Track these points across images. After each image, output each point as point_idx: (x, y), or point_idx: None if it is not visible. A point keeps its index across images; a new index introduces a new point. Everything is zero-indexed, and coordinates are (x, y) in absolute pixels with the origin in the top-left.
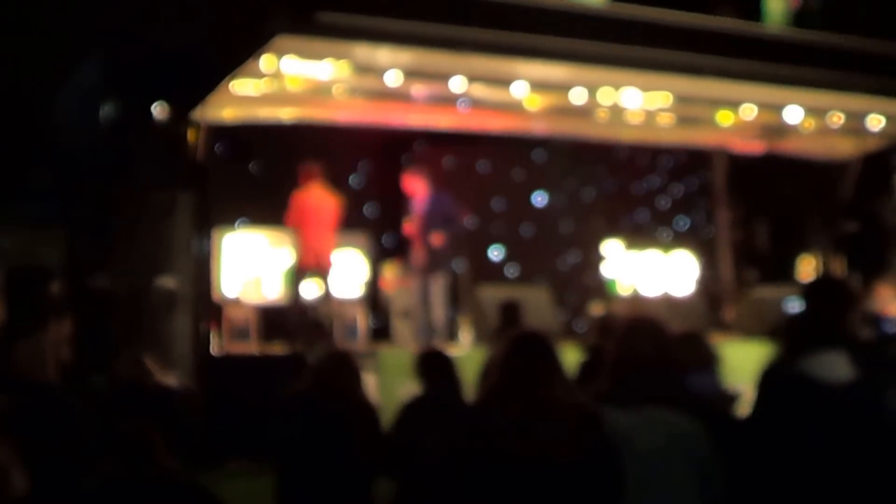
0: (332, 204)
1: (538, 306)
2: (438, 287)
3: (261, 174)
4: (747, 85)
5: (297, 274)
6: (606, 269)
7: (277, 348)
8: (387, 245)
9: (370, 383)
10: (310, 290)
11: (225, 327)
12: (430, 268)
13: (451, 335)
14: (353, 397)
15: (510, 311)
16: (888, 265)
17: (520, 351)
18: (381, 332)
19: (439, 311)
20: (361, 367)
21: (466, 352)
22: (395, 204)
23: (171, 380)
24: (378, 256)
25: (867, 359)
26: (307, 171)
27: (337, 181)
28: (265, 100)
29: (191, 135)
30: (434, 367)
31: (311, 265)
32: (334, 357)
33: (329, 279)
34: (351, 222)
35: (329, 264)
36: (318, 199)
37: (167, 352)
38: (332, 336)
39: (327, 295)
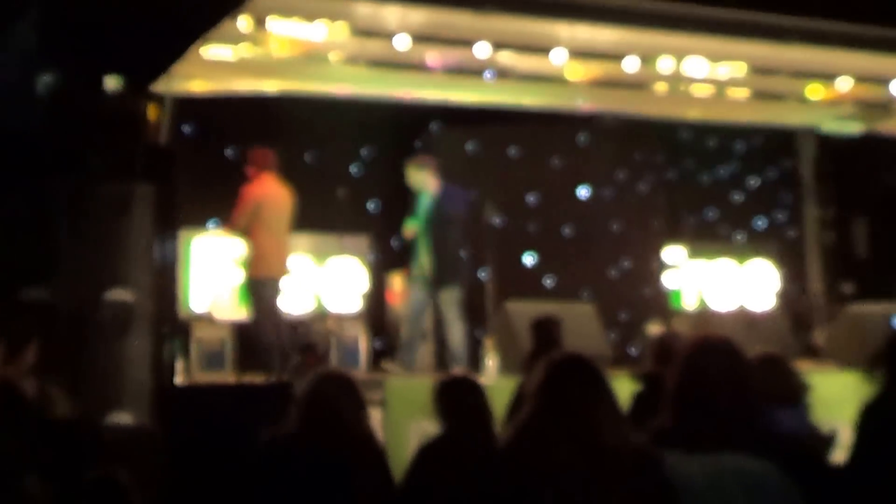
0: (288, 200)
1: (582, 325)
2: (453, 300)
3: (239, 161)
4: (843, 52)
5: (255, 286)
6: (667, 280)
7: (259, 377)
8: (395, 249)
9: (374, 421)
10: (298, 303)
11: (193, 351)
12: (442, 277)
13: (474, 361)
14: (354, 435)
15: (547, 331)
16: None
17: (559, 380)
18: (387, 355)
19: (458, 330)
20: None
21: (493, 381)
22: (405, 199)
23: (123, 417)
24: (384, 263)
25: None
26: (258, 158)
27: (333, 170)
28: (244, 68)
29: (151, 112)
30: (458, 399)
31: (268, 274)
32: (329, 381)
33: (285, 291)
34: (350, 222)
35: (286, 273)
36: (273, 194)
37: (120, 381)
38: (326, 361)
39: (321, 310)
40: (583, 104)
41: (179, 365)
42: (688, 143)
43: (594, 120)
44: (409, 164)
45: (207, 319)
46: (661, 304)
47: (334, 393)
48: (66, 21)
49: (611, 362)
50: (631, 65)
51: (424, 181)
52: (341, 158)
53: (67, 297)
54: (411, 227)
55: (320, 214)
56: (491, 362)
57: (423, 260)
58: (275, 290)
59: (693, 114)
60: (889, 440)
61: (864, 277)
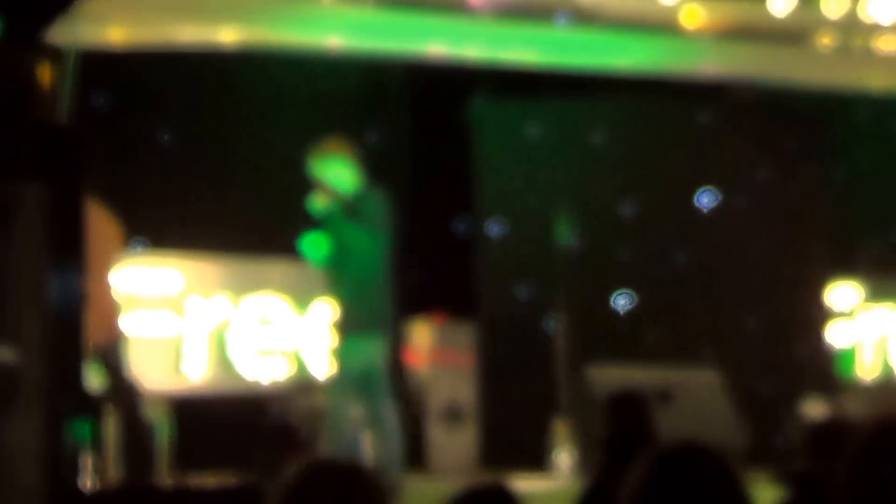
0: (112, 233)
1: (703, 401)
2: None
3: (180, 151)
4: None
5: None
6: (834, 336)
7: (211, 478)
8: (418, 284)
9: None
10: (267, 369)
11: (109, 438)
12: (356, 323)
13: (537, 454)
14: None
15: (629, 409)
16: None
17: (669, 486)
18: (405, 446)
19: (384, 411)
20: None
21: (562, 485)
22: (434, 207)
23: None
24: (402, 305)
25: None
26: None
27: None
28: (188, 7)
29: (44, 74)
30: None
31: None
32: (318, 477)
33: (116, 361)
34: None
35: (115, 336)
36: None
37: None
38: (312, 452)
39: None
40: (707, 67)
41: (86, 459)
42: (867, 125)
43: (724, 92)
44: (317, 150)
45: (130, 391)
46: (823, 371)
47: (322, 495)
48: None
49: (747, 459)
50: (781, 6)
51: (341, 178)
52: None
53: None
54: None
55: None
56: (563, 456)
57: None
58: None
59: (876, 81)
60: None
61: None
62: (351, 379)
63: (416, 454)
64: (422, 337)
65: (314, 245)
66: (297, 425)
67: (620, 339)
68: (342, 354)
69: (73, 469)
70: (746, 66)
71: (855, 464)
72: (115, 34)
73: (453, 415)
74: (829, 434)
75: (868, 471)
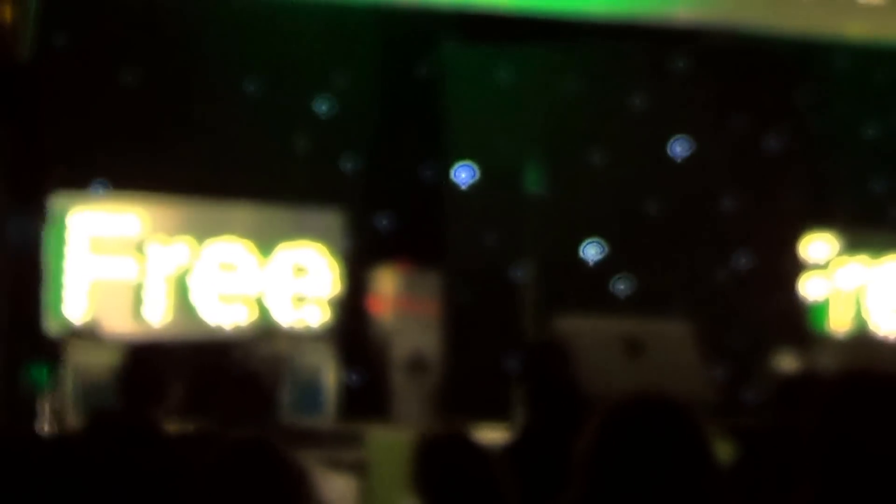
0: None
1: (672, 354)
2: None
3: (142, 92)
4: None
5: None
6: (808, 288)
7: (171, 424)
8: (382, 230)
9: (347, 495)
10: (229, 313)
11: (68, 384)
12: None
13: (499, 406)
14: None
15: (551, 360)
16: None
17: (628, 444)
18: (368, 396)
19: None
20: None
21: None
22: (400, 151)
23: None
24: (364, 253)
25: None
26: None
27: (289, 108)
28: None
29: (4, 13)
30: (446, 471)
31: None
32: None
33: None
34: (314, 189)
35: None
36: None
37: None
38: (273, 403)
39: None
40: (681, 12)
41: (45, 406)
42: (845, 74)
43: (698, 37)
44: None
45: (91, 335)
46: (796, 324)
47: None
48: None
49: (715, 415)
50: None
51: None
52: (302, 89)
53: None
54: None
55: (267, 176)
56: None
57: None
58: None
59: (855, 30)
60: None
61: None
62: None
63: (380, 403)
64: (387, 284)
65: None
66: (258, 374)
67: (590, 290)
68: None
69: (30, 414)
70: (721, 11)
71: (823, 415)
72: None
73: (418, 364)
74: (801, 388)
75: (835, 422)
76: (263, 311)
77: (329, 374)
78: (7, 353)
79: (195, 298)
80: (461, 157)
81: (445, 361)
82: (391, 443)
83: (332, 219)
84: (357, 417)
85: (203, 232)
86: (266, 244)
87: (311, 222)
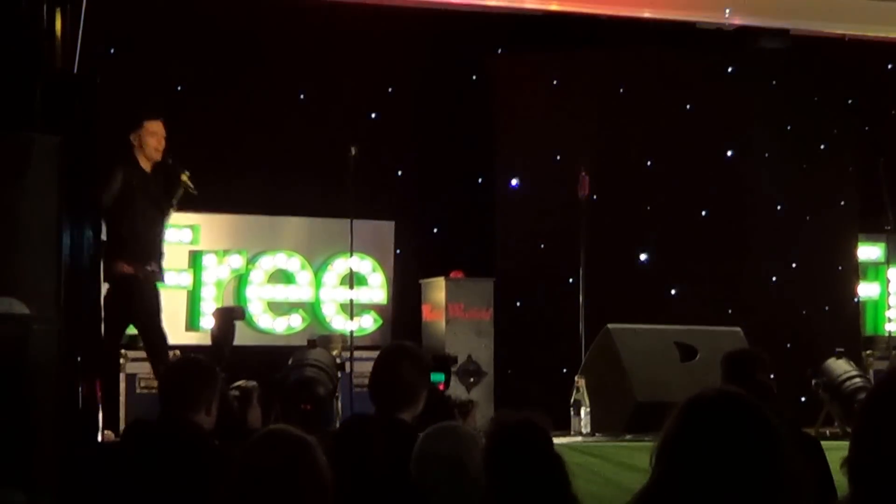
0: None
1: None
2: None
3: (194, 99)
4: None
5: None
6: (861, 290)
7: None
8: (433, 239)
9: None
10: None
11: (128, 398)
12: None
13: (556, 413)
14: None
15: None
16: None
17: (707, 429)
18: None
19: None
20: None
21: (581, 443)
22: (452, 161)
23: (15, 496)
24: (417, 262)
25: None
26: None
27: (341, 117)
28: None
29: (56, 22)
30: (513, 458)
31: None
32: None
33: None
34: (365, 198)
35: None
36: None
37: (9, 441)
38: (330, 409)
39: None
40: (733, 15)
41: (102, 415)
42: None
43: (751, 40)
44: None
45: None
46: (851, 326)
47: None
48: None
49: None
50: None
51: None
52: (355, 98)
53: None
54: None
55: (319, 187)
56: (582, 412)
57: None
58: None
59: None
60: None
61: None
62: None
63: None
64: (439, 294)
65: None
66: (314, 379)
67: (641, 296)
68: None
69: (90, 423)
70: (774, 14)
71: (862, 416)
72: None
73: (471, 372)
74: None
75: (872, 419)
76: (319, 319)
77: None
78: (65, 363)
79: (251, 307)
80: (512, 164)
81: (498, 369)
82: None
83: (384, 229)
84: None
85: (257, 244)
86: (319, 255)
87: (363, 232)
